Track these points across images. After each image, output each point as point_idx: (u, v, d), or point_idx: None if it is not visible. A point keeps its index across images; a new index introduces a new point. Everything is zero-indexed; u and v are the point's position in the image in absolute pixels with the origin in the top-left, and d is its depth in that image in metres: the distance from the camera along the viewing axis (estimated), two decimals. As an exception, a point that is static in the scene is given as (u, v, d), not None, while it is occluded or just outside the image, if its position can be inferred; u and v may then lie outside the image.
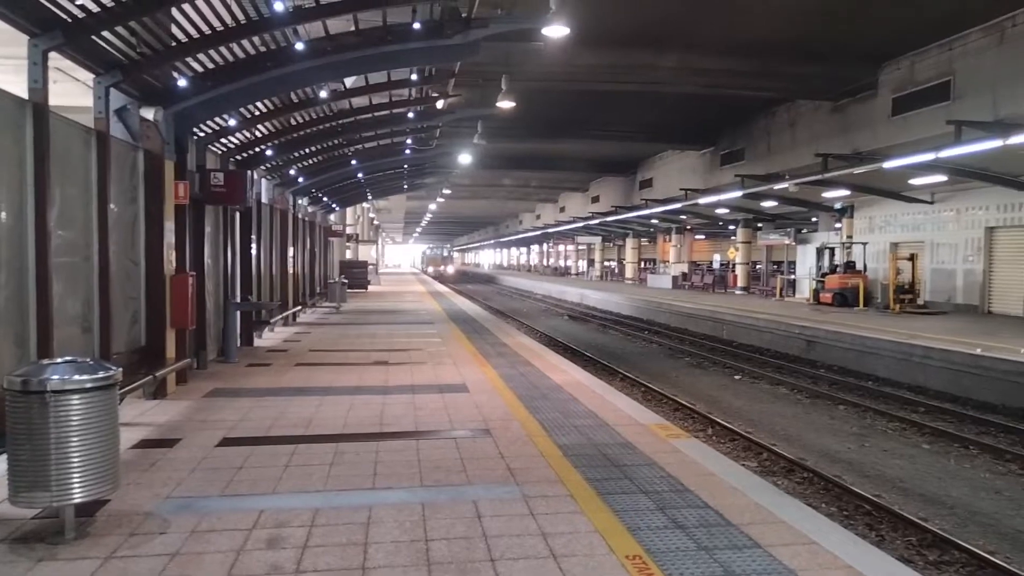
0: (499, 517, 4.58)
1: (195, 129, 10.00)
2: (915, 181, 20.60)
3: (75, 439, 4.04)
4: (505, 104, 15.42)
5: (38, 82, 5.96)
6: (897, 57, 16.72)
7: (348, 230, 35.98)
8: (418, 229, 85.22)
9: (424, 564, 3.88)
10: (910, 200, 24.12)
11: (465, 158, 23.96)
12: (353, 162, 19.49)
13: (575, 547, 4.12)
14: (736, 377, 16.06)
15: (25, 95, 5.87)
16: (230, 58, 9.26)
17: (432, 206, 50.96)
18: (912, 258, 23.22)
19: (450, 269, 74.46)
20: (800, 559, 3.97)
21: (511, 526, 4.44)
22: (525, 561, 3.93)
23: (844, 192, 23.79)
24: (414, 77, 13.84)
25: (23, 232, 5.76)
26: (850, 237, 27.43)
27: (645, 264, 55.84)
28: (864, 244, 26.17)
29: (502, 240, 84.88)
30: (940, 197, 23.49)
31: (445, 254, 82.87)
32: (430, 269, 71.96)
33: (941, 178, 19.54)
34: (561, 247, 76.04)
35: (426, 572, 3.78)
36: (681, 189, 28.81)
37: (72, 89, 9.27)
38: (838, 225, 29.11)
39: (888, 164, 16.87)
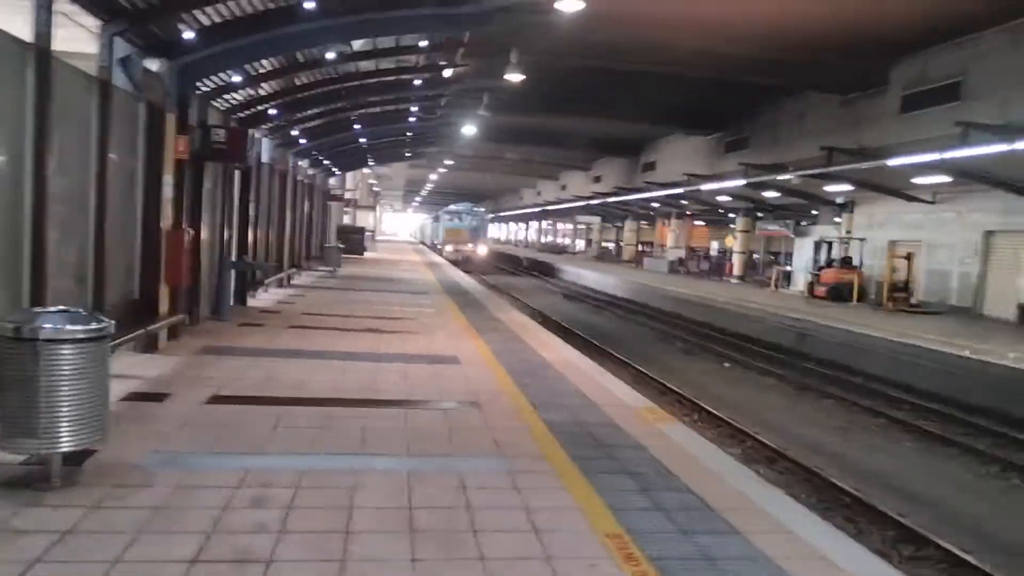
0: (483, 490, 4.62)
1: (199, 84, 9.89)
2: (918, 180, 20.55)
3: (65, 388, 4.05)
4: (513, 77, 15.27)
5: (42, 26, 5.86)
6: (910, 54, 16.59)
7: (347, 195, 35.82)
8: (418, 198, 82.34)
9: (407, 531, 3.92)
10: (911, 199, 24.08)
11: (469, 129, 23.79)
12: (356, 126, 19.36)
13: (557, 523, 4.17)
14: (726, 365, 16.14)
15: (28, 38, 5.78)
16: (238, 13, 9.13)
17: (433, 176, 50.65)
18: (908, 257, 23.25)
19: (481, 250, 43.97)
20: (777, 547, 4.03)
21: (495, 499, 4.48)
22: (507, 535, 3.98)
23: (847, 187, 23.72)
24: (423, 44, 13.71)
25: (20, 179, 5.71)
26: (849, 232, 27.42)
27: (643, 247, 55.80)
28: (862, 240, 26.17)
29: (501, 215, 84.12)
30: (942, 198, 23.46)
31: (474, 223, 45.68)
32: (449, 248, 42.70)
33: (944, 179, 19.48)
34: (560, 225, 75.83)
35: (408, 540, 3.83)
36: (684, 174, 28.71)
37: (76, 34, 9.13)
38: (838, 219, 29.07)
39: (893, 162, 16.81)
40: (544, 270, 44.77)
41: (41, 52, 5.80)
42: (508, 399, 7.13)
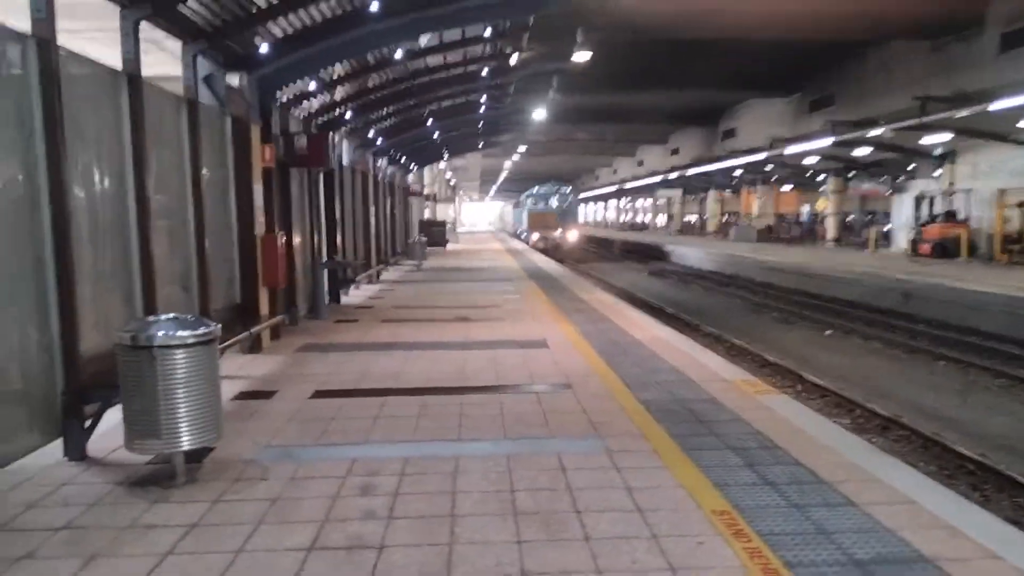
0: (583, 470, 4.60)
1: (278, 94, 10.23)
2: (1026, 122, 19.04)
3: (181, 391, 4.29)
4: (580, 56, 15.05)
5: (131, 53, 6.18)
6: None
7: (426, 190, 36.38)
8: (494, 187, 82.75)
9: (511, 514, 3.95)
10: (1019, 144, 22.31)
11: (540, 113, 23.66)
12: (429, 121, 19.58)
13: (660, 501, 4.10)
14: (826, 332, 15.48)
15: (119, 66, 6.12)
16: (308, 22, 9.38)
17: (507, 163, 50.73)
18: (1022, 205, 21.61)
19: (571, 235, 39.02)
20: (899, 518, 3.82)
21: (595, 479, 4.45)
22: (610, 514, 3.94)
23: (945, 137, 22.22)
24: (488, 33, 13.68)
25: (124, 198, 6.06)
26: (952, 184, 25.72)
27: (728, 217, 54.11)
28: (967, 191, 24.50)
29: (579, 196, 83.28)
30: (1055, 139, 21.65)
31: (562, 205, 40.33)
32: (534, 236, 38.42)
33: (1057, 117, 17.97)
34: (639, 202, 74.46)
35: (512, 522, 3.85)
36: (767, 138, 27.61)
37: (162, 59, 9.62)
38: (938, 172, 27.31)
39: (995, 105, 15.60)
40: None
41: (132, 78, 6.12)
42: (600, 380, 7.08)
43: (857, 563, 3.37)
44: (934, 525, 3.76)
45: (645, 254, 40.27)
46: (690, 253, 34.32)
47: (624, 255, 42.71)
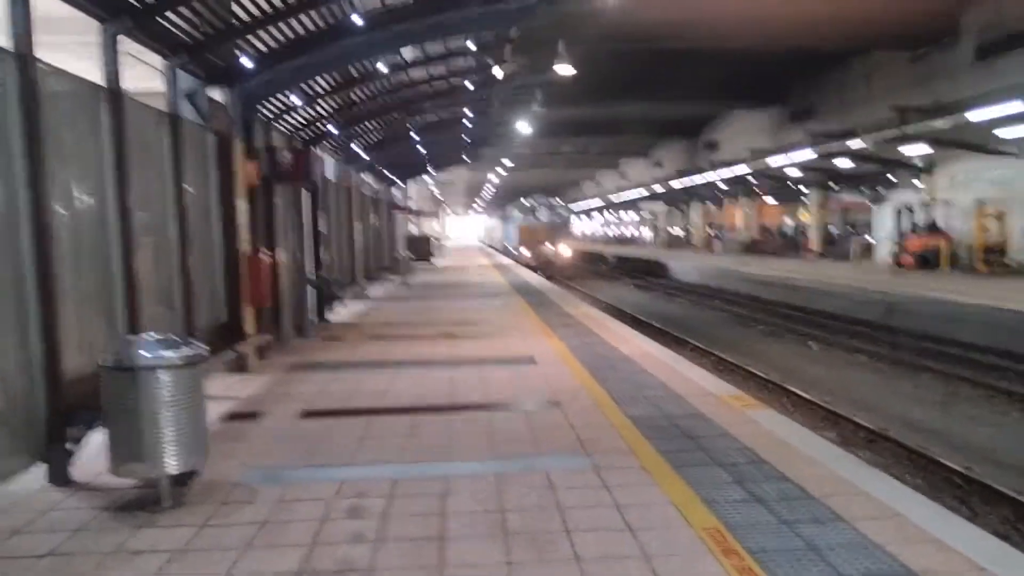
0: (572, 489, 4.58)
1: (260, 108, 10.20)
2: (1002, 133, 19.33)
3: (166, 413, 4.23)
4: (563, 69, 15.14)
5: (111, 67, 6.11)
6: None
7: (411, 204, 36.35)
8: (479, 201, 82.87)
9: (501, 534, 3.93)
10: (997, 153, 22.68)
11: (524, 127, 23.78)
12: (414, 136, 19.62)
13: (651, 520, 4.09)
14: (811, 345, 15.59)
15: (99, 81, 6.06)
16: (290, 35, 9.37)
17: (493, 177, 50.92)
18: (1000, 216, 21.92)
19: (564, 251, 37.21)
20: (886, 533, 3.84)
21: (585, 497, 4.44)
22: (601, 533, 3.93)
23: (924, 147, 22.53)
24: (471, 46, 13.76)
25: (107, 215, 5.99)
26: (931, 195, 26.05)
27: (712, 230, 54.47)
28: (947, 202, 24.83)
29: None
30: (1031, 149, 22.00)
31: (554, 219, 39.55)
32: (524, 251, 36.85)
33: (1033, 128, 18.27)
34: (623, 215, 74.75)
35: (502, 542, 3.83)
36: (749, 150, 27.92)
37: (142, 73, 9.56)
38: (918, 183, 27.67)
39: (972, 114, 15.88)
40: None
41: (113, 93, 6.06)
42: (588, 396, 7.07)
43: (847, 580, 3.37)
44: (921, 539, 3.77)
45: (631, 267, 40.43)
46: (676, 266, 34.49)
47: (611, 268, 42.82)
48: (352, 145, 16.85)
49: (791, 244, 38.97)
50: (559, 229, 37.90)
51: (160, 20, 6.98)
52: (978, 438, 8.82)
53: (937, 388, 11.35)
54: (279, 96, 10.71)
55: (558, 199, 41.01)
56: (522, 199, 39.51)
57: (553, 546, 3.79)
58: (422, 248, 33.30)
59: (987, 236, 21.85)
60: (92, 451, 4.96)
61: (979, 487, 7.03)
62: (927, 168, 26.34)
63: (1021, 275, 20.04)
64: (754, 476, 4.74)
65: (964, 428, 9.25)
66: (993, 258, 21.53)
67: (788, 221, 45.27)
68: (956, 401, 10.55)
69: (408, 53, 13.32)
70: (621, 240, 71.81)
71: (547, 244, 36.28)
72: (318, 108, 13.03)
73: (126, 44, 6.56)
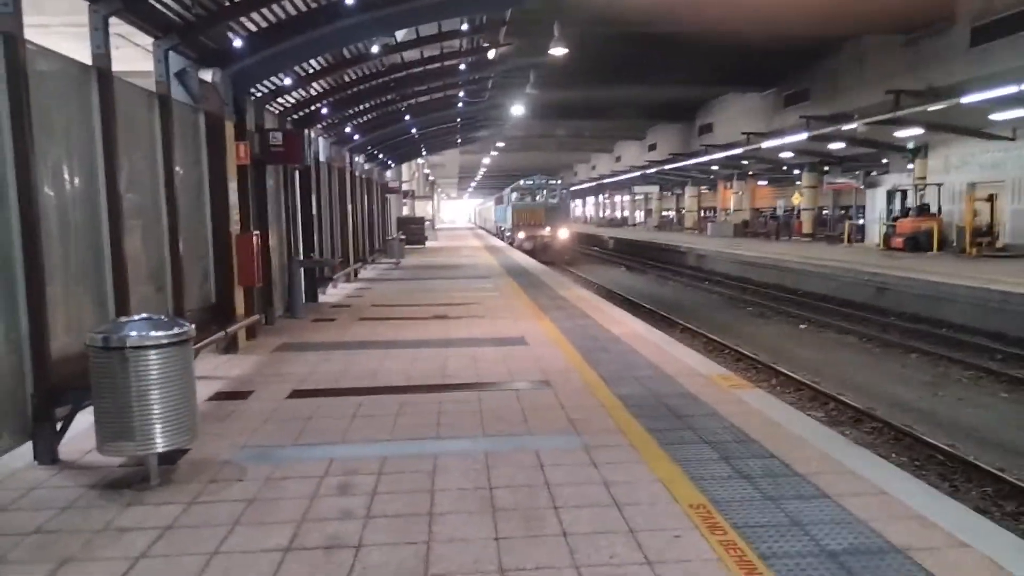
0: (561, 466, 4.62)
1: (252, 89, 10.11)
2: (995, 116, 19.36)
3: (155, 392, 4.23)
4: (557, 51, 15.06)
5: (100, 47, 6.06)
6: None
7: (404, 186, 36.20)
8: (472, 184, 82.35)
9: (489, 511, 3.96)
10: (990, 137, 22.73)
11: (518, 109, 23.65)
12: (407, 117, 19.49)
13: (638, 496, 4.13)
14: (801, 326, 15.67)
15: (88, 61, 6.01)
16: (282, 16, 9.28)
17: (486, 160, 50.70)
18: (991, 199, 22.02)
19: (562, 234, 34.25)
20: (870, 509, 3.89)
21: (573, 475, 4.47)
22: (588, 509, 3.97)
23: (917, 131, 22.57)
24: (465, 27, 13.65)
25: (96, 195, 5.96)
26: (923, 178, 26.12)
27: (705, 212, 54.53)
28: (939, 185, 24.90)
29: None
30: (1023, 133, 22.05)
31: (552, 200, 35.14)
32: (520, 235, 34.14)
33: (1025, 112, 18.30)
34: (617, 198, 74.75)
35: (491, 518, 3.86)
36: (743, 133, 27.86)
37: (133, 54, 9.47)
38: (911, 166, 27.73)
39: (966, 99, 15.88)
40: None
41: (102, 73, 6.01)
42: (579, 376, 7.11)
43: (830, 554, 3.42)
44: (905, 515, 3.82)
45: (624, 250, 40.47)
46: (668, 247, 34.52)
47: (604, 251, 42.85)
48: (345, 127, 16.74)
49: (783, 226, 39.08)
50: (558, 211, 34.73)
51: (151, 1, 6.89)
52: (965, 418, 8.91)
53: (926, 369, 11.45)
54: (271, 77, 10.62)
55: (557, 180, 37.48)
56: (522, 180, 35.80)
57: (541, 522, 3.82)
58: (415, 230, 33.18)
59: (978, 219, 21.95)
60: (80, 431, 4.97)
61: (961, 464, 7.12)
62: (920, 151, 26.41)
63: (1009, 258, 20.15)
64: (741, 454, 4.78)
65: (951, 408, 9.34)
66: (982, 240, 21.65)
67: (780, 203, 45.39)
68: (945, 382, 10.65)
69: (401, 34, 13.19)
70: (613, 222, 71.88)
71: (545, 228, 33.82)
72: (310, 89, 12.92)
73: (117, 26, 6.48)
